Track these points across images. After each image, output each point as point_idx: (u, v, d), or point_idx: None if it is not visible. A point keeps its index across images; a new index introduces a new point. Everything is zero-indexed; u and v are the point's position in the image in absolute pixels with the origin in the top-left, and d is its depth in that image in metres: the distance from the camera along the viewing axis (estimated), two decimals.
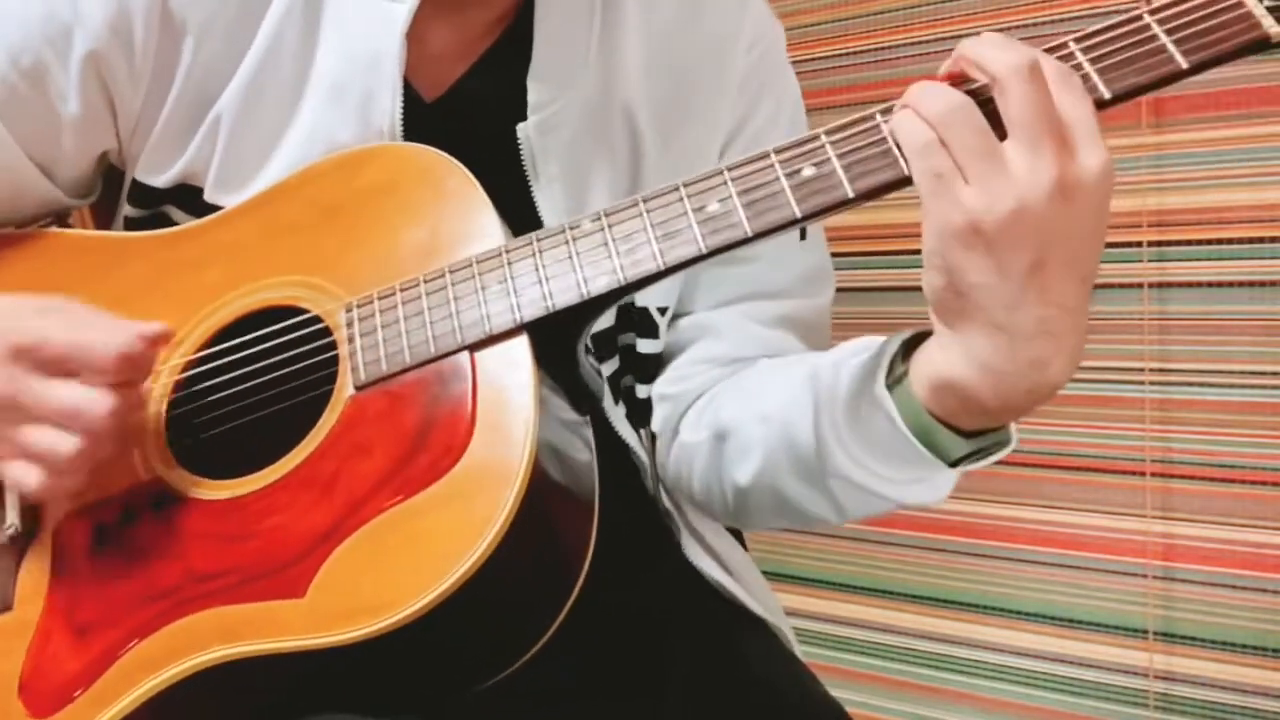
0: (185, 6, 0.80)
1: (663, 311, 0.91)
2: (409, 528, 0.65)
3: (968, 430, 0.69)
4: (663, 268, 0.68)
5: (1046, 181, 0.60)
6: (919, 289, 0.66)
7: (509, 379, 0.68)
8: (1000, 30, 1.71)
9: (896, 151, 0.64)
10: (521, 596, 0.69)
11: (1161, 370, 1.64)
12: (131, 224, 0.87)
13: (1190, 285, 1.61)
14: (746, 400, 0.86)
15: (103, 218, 0.92)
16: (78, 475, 0.69)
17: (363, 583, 0.64)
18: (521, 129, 0.84)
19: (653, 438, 0.93)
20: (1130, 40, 0.64)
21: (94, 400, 0.68)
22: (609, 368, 0.90)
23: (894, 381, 0.71)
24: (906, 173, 0.64)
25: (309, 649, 0.63)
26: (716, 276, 0.92)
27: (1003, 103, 0.62)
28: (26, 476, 0.69)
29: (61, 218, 0.90)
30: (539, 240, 0.71)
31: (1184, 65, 0.63)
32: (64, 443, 0.68)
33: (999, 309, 0.62)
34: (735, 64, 0.92)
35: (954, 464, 0.70)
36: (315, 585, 0.65)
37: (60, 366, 0.68)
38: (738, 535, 1.02)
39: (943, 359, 0.66)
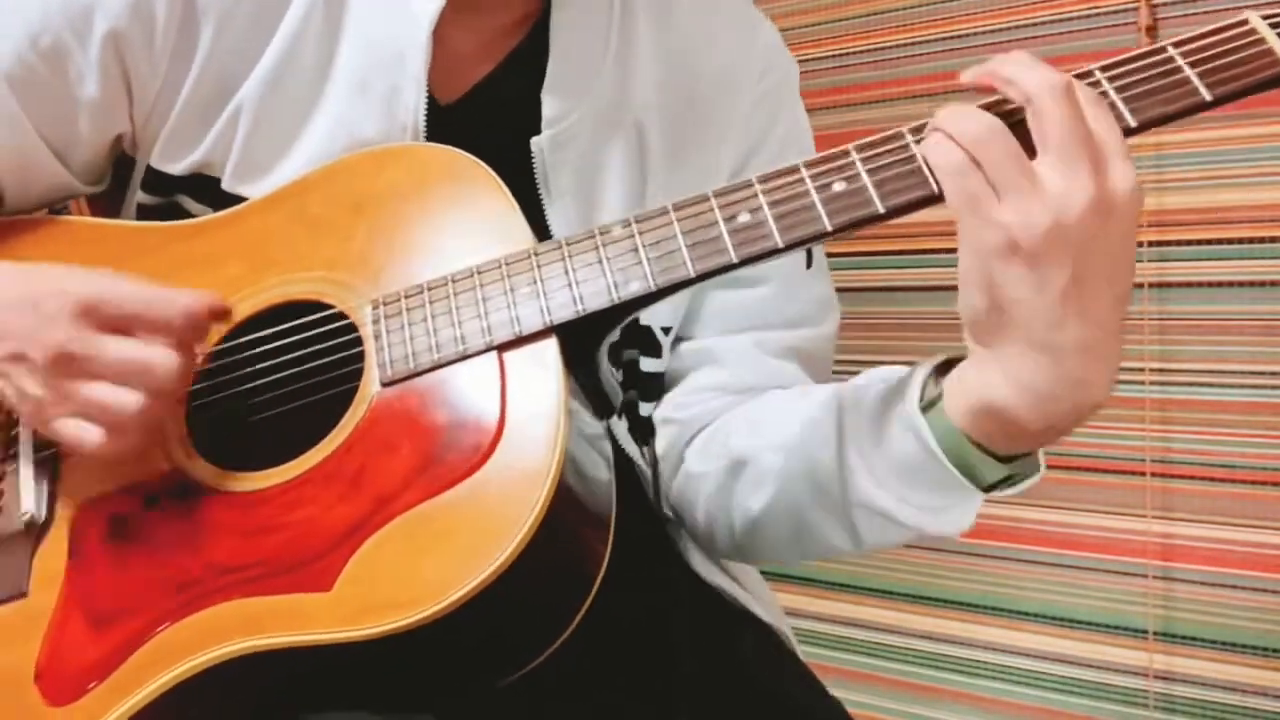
0: None
1: (666, 331, 0.90)
2: (438, 524, 0.65)
3: (1002, 455, 0.69)
4: (693, 275, 0.68)
5: (1082, 199, 0.61)
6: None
7: (538, 380, 0.68)
8: (1000, 30, 1.72)
9: (926, 170, 0.66)
10: (544, 594, 0.69)
11: (1161, 370, 1.65)
12: (144, 211, 0.86)
13: (1190, 285, 1.62)
14: (761, 431, 0.85)
15: (109, 208, 0.91)
16: (137, 434, 0.69)
17: (390, 578, 0.64)
18: (535, 143, 0.84)
19: (654, 458, 0.92)
20: (1155, 71, 0.65)
21: (164, 357, 0.68)
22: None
23: (926, 405, 0.70)
24: (937, 191, 0.65)
25: (335, 642, 0.63)
26: (723, 302, 0.91)
27: (1036, 122, 0.62)
28: (86, 434, 0.68)
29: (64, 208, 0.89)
30: (568, 244, 0.71)
31: (1208, 98, 0.64)
32: (128, 399, 0.67)
33: (1040, 327, 0.63)
34: (745, 92, 0.92)
35: (987, 489, 0.70)
36: (343, 579, 0.64)
37: (123, 324, 0.68)
38: None
39: (980, 381, 0.66)
